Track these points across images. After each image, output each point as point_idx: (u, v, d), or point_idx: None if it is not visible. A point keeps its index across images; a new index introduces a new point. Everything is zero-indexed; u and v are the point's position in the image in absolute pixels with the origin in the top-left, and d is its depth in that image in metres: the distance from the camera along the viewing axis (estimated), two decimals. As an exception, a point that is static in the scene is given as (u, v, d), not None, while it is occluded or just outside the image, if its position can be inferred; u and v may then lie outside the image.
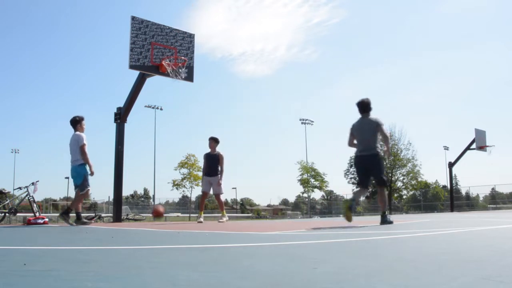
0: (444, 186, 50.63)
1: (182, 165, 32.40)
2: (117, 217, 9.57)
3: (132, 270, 1.70)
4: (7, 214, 9.25)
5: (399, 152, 41.72)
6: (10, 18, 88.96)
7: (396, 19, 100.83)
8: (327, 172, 45.02)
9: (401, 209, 44.78)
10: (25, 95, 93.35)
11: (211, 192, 8.75)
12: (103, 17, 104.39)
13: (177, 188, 33.89)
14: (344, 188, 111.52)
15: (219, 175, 8.63)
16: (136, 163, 76.70)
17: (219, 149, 8.82)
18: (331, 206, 52.63)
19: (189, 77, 10.03)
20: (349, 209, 5.89)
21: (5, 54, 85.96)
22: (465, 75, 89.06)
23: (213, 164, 8.67)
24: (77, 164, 6.99)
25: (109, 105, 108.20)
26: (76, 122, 7.20)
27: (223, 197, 9.06)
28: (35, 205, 9.11)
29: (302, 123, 44.21)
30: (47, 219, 8.77)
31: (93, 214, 16.62)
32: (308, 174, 40.39)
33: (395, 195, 42.56)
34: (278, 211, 66.28)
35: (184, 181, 32.94)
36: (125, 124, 9.59)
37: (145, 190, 74.54)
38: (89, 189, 7.10)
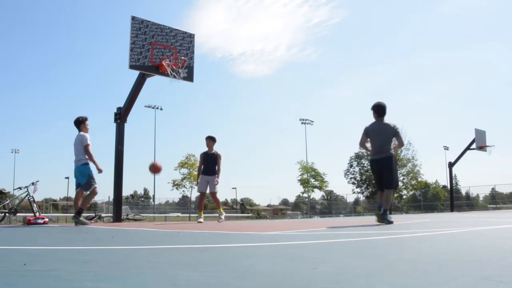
0: (444, 186, 50.65)
1: (182, 165, 32.38)
2: (117, 217, 9.57)
3: (132, 270, 1.70)
4: (7, 214, 9.25)
5: (399, 152, 41.72)
6: (10, 18, 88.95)
7: (396, 19, 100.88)
8: (327, 172, 45.06)
9: (401, 209, 44.78)
10: (25, 95, 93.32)
11: (208, 191, 8.77)
12: (103, 17, 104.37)
13: (177, 188, 33.87)
14: (344, 188, 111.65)
15: (217, 174, 8.66)
16: (136, 163, 76.59)
17: (215, 148, 8.85)
18: (331, 206, 52.63)
19: (189, 77, 10.02)
20: (382, 217, 6.06)
21: (5, 54, 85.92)
22: (465, 75, 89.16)
23: (211, 163, 8.69)
24: (81, 164, 6.99)
25: (109, 105, 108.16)
26: (80, 123, 7.20)
27: (221, 197, 9.11)
28: (35, 205, 9.10)
29: (302, 123, 44.23)
30: (47, 219, 8.78)
31: (93, 214, 16.61)
32: (308, 174, 40.38)
33: (395, 195, 42.51)
34: (278, 211, 66.28)
35: (184, 181, 32.92)
36: (125, 124, 9.59)
37: (145, 190, 74.55)
38: (96, 186, 7.09)
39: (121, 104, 9.63)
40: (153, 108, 40.84)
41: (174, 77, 9.48)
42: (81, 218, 7.06)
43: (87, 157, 7.04)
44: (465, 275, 1.52)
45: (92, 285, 1.34)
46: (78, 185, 7.13)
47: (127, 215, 21.76)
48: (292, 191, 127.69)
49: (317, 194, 54.09)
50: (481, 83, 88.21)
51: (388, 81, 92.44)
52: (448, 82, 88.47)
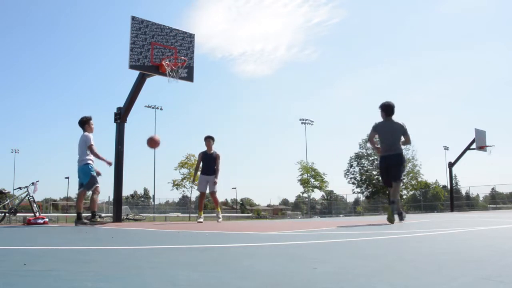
0: (444, 186, 50.65)
1: (182, 165, 32.36)
2: (117, 217, 9.57)
3: (132, 270, 1.70)
4: (7, 214, 9.25)
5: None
6: (10, 18, 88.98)
7: (396, 19, 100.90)
8: (327, 172, 45.08)
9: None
10: (25, 95, 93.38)
11: (207, 190, 8.80)
12: (103, 17, 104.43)
13: (177, 188, 33.85)
14: (344, 188, 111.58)
15: (216, 174, 8.68)
16: (136, 163, 76.66)
17: (214, 147, 8.88)
18: (331, 206, 52.60)
19: (189, 77, 10.02)
20: (390, 208, 6.18)
21: (5, 54, 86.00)
22: (465, 75, 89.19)
23: (211, 163, 8.72)
24: (83, 164, 7.00)
25: (109, 105, 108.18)
26: (84, 123, 7.21)
27: (221, 197, 9.18)
28: (35, 205, 9.11)
29: (302, 123, 44.24)
30: (47, 219, 8.79)
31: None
32: (308, 174, 40.38)
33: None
34: (278, 211, 66.28)
35: (184, 181, 32.90)
36: (125, 124, 9.59)
37: (145, 190, 74.56)
38: (98, 186, 7.11)
39: (121, 104, 9.63)
40: (153, 108, 40.85)
41: (173, 77, 9.47)
42: (97, 219, 7.10)
43: (91, 157, 7.04)
44: (465, 275, 1.52)
45: (92, 285, 1.34)
46: (80, 185, 7.13)
47: (127, 215, 21.74)
48: (292, 191, 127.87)
49: (317, 194, 54.18)
50: (481, 83, 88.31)
51: (388, 81, 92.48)
52: (448, 82, 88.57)
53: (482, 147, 23.03)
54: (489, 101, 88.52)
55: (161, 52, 9.53)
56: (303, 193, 50.50)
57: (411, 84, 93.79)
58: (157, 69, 9.41)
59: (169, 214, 39.07)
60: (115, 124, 9.58)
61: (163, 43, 9.59)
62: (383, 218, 6.78)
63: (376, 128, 6.61)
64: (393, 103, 6.58)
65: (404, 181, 42.07)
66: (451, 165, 25.02)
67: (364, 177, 45.56)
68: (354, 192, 49.10)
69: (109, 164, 7.30)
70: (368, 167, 45.87)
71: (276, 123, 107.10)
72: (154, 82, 10.46)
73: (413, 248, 2.72)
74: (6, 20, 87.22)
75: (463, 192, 50.06)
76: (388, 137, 6.50)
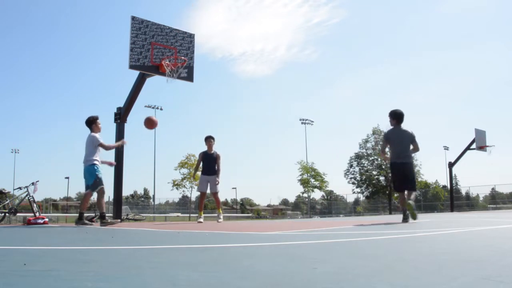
0: (444, 186, 50.64)
1: (182, 165, 32.37)
2: (117, 217, 9.56)
3: (132, 270, 1.70)
4: (7, 214, 9.25)
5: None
6: (10, 18, 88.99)
7: (396, 19, 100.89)
8: (327, 172, 45.06)
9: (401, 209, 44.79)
10: (25, 95, 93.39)
11: (208, 191, 8.79)
12: (103, 17, 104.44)
13: (177, 188, 33.86)
14: (344, 188, 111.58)
15: (217, 174, 8.68)
16: (136, 163, 76.66)
17: (215, 147, 8.89)
18: (331, 206, 52.62)
19: (189, 77, 10.02)
20: (413, 215, 6.45)
21: (5, 54, 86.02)
22: (465, 75, 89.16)
23: (211, 163, 8.72)
24: (89, 164, 6.95)
25: (109, 105, 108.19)
26: (91, 122, 7.16)
27: (221, 197, 9.18)
28: (35, 205, 9.10)
29: (302, 123, 44.24)
30: (47, 219, 8.78)
31: (93, 214, 16.59)
32: (308, 174, 40.37)
33: (395, 195, 42.51)
34: (278, 211, 66.28)
35: (184, 181, 32.91)
36: (125, 124, 9.59)
37: (145, 190, 74.55)
38: (103, 187, 7.06)
39: (121, 104, 9.63)
40: (153, 108, 40.80)
41: (173, 77, 9.47)
42: (107, 220, 7.04)
43: (97, 157, 7.02)
44: (465, 275, 1.52)
45: (92, 285, 1.34)
46: (87, 187, 7.06)
47: (127, 215, 21.71)
48: (292, 191, 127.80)
49: (317, 194, 54.16)
50: (481, 83, 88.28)
51: (388, 81, 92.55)
52: (448, 82, 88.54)
53: (482, 147, 23.03)
54: (489, 101, 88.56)
55: (161, 52, 9.53)
56: (303, 193, 50.51)
57: (411, 84, 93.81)
58: (157, 69, 9.41)
59: (169, 214, 39.09)
60: (115, 124, 9.59)
61: (163, 43, 9.59)
62: (394, 217, 6.79)
63: (388, 137, 6.99)
64: (402, 111, 6.89)
65: None
66: (451, 165, 25.02)
67: (364, 177, 45.53)
68: (354, 192, 49.12)
69: (124, 143, 7.49)
70: (368, 167, 45.86)
71: (276, 123, 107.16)
72: (154, 82, 10.47)
73: (413, 248, 2.72)
74: (6, 20, 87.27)
75: (463, 192, 50.08)
76: (399, 145, 6.79)
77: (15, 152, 57.30)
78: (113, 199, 10.14)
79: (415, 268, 1.71)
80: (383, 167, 43.54)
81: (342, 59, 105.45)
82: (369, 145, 45.13)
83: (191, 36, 10.16)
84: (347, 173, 47.12)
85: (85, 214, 7.67)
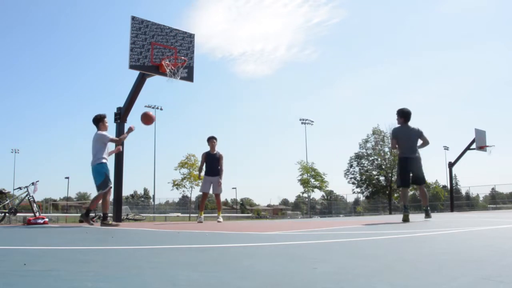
0: (444, 186, 50.62)
1: (182, 165, 32.36)
2: (117, 217, 9.56)
3: (132, 270, 1.70)
4: (7, 214, 9.25)
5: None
6: (10, 18, 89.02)
7: (396, 19, 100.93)
8: (327, 172, 45.00)
9: (401, 209, 44.79)
10: (25, 95, 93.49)
11: (211, 191, 8.80)
12: (103, 17, 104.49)
13: (177, 188, 33.85)
14: (344, 188, 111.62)
15: (220, 175, 8.69)
16: (136, 163, 76.65)
17: (217, 148, 8.90)
18: (331, 206, 52.61)
19: (189, 77, 10.02)
20: (407, 216, 6.87)
21: (5, 54, 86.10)
22: (465, 75, 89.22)
23: (215, 164, 8.73)
24: (97, 164, 6.92)
25: (109, 105, 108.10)
26: (99, 120, 7.13)
27: (222, 197, 9.20)
28: (35, 205, 9.11)
29: (302, 123, 44.26)
30: (47, 219, 8.78)
31: (93, 214, 16.59)
32: (308, 174, 40.36)
33: (395, 195, 42.51)
34: (278, 211, 66.26)
35: (184, 181, 32.90)
36: (125, 124, 9.58)
37: (145, 190, 74.58)
38: (111, 187, 7.04)
39: (121, 104, 9.63)
40: (153, 108, 40.79)
41: (173, 77, 9.47)
42: (109, 221, 7.00)
43: (105, 156, 7.00)
44: (465, 275, 1.52)
45: (92, 285, 1.34)
46: (97, 188, 6.95)
47: (127, 215, 21.75)
48: (292, 191, 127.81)
49: (317, 194, 54.17)
50: (481, 83, 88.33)
51: (388, 81, 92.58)
52: (448, 82, 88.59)
53: (482, 147, 23.00)
54: (489, 101, 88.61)
55: (161, 52, 9.53)
56: (303, 193, 50.53)
57: (411, 84, 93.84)
58: (157, 69, 9.41)
59: (169, 214, 39.09)
60: (115, 124, 9.58)
61: (163, 43, 9.59)
62: (394, 217, 6.81)
63: (396, 134, 7.24)
64: (410, 109, 7.20)
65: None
66: (451, 165, 24.99)
67: (364, 177, 45.48)
68: (354, 192, 49.06)
69: (132, 128, 7.34)
70: (368, 167, 45.82)
71: (276, 123, 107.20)
72: (154, 82, 10.47)
73: (413, 248, 2.72)
74: (6, 20, 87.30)
75: (463, 192, 50.10)
76: (406, 141, 7.08)
77: (15, 152, 57.39)
78: (113, 199, 10.13)
79: (415, 268, 1.71)
80: (383, 167, 43.54)
81: (342, 59, 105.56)
82: (369, 145, 45.08)
83: (191, 36, 10.16)
84: (347, 173, 47.09)
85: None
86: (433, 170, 68.02)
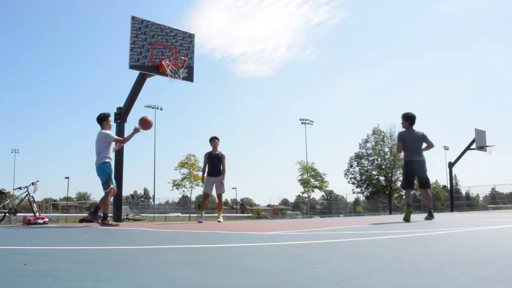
0: (444, 186, 50.59)
1: (182, 165, 32.35)
2: (117, 217, 9.56)
3: (132, 270, 1.70)
4: (7, 214, 9.25)
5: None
6: (10, 18, 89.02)
7: (396, 19, 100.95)
8: (327, 172, 45.01)
9: (401, 209, 44.75)
10: (25, 95, 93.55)
11: (213, 192, 8.83)
12: (103, 17, 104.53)
13: (177, 188, 33.84)
14: (344, 188, 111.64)
15: (222, 175, 8.69)
16: (136, 163, 76.67)
17: (219, 148, 8.90)
18: (331, 206, 52.62)
19: (189, 77, 10.02)
20: (410, 214, 7.01)
21: (5, 54, 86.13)
22: (465, 75, 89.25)
23: (217, 164, 8.73)
24: (100, 163, 6.91)
25: (109, 105, 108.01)
26: (102, 119, 7.10)
27: (222, 197, 9.18)
28: (35, 205, 9.11)
29: (302, 123, 44.25)
30: (47, 219, 8.78)
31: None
32: (308, 174, 40.35)
33: (395, 195, 42.52)
34: (278, 211, 66.25)
35: (184, 181, 32.89)
36: (125, 124, 9.59)
37: (145, 190, 74.62)
38: (112, 187, 6.99)
39: (121, 104, 9.63)
40: (153, 108, 40.83)
41: (173, 77, 9.47)
42: (109, 221, 6.98)
43: (109, 155, 6.98)
44: (465, 275, 1.52)
45: (92, 285, 1.34)
46: (103, 186, 6.97)
47: (127, 215, 21.76)
48: (292, 191, 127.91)
49: (317, 194, 54.13)
50: (481, 83, 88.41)
51: (388, 81, 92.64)
52: (448, 82, 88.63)
53: (482, 147, 23.00)
54: (489, 101, 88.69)
55: (161, 52, 9.53)
56: (303, 193, 50.50)
57: (411, 84, 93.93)
58: (157, 69, 9.41)
59: (169, 214, 39.10)
60: (115, 124, 9.58)
61: (163, 43, 9.59)
62: (394, 217, 6.81)
63: (402, 138, 7.41)
64: (415, 114, 7.43)
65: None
66: (451, 165, 24.99)
67: (364, 177, 45.45)
68: (354, 192, 49.03)
69: (137, 129, 7.07)
70: (368, 167, 45.80)
71: (276, 123, 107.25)
72: (154, 82, 10.48)
73: (413, 248, 2.72)
74: (6, 20, 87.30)
75: (463, 192, 50.12)
76: (412, 144, 7.28)
77: (15, 152, 57.40)
78: (113, 199, 10.12)
79: (415, 268, 1.71)
80: (383, 167, 43.52)
81: (342, 59, 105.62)
82: (369, 145, 45.05)
83: (191, 36, 10.16)
84: (347, 173, 47.05)
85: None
86: (433, 170, 67.96)
